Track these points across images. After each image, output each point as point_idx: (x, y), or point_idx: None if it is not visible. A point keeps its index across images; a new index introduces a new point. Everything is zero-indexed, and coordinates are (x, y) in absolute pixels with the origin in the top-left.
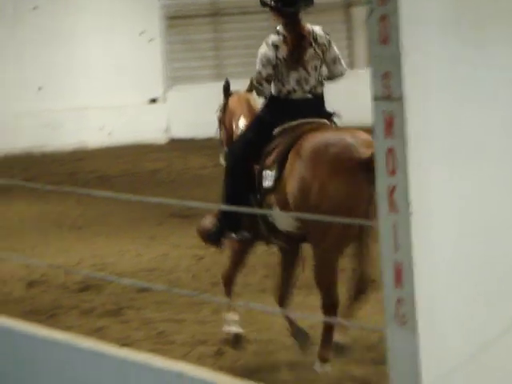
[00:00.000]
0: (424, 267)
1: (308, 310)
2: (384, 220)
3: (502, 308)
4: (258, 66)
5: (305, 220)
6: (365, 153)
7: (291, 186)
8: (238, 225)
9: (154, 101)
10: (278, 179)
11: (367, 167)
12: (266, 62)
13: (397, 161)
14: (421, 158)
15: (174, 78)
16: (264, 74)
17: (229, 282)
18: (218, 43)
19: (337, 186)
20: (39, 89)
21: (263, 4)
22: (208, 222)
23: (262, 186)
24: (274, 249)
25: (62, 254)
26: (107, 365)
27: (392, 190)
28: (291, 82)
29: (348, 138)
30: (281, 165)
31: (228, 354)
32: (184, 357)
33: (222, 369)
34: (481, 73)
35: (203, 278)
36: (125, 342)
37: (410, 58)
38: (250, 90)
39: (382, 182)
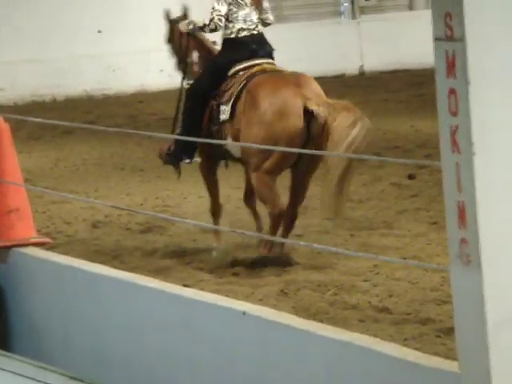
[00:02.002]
0: (487, 207)
1: None
2: (447, 160)
3: None
4: (216, 5)
5: (249, 148)
6: (308, 103)
7: (242, 121)
8: (190, 151)
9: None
10: (232, 113)
11: (306, 113)
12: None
13: (459, 101)
14: (483, 98)
15: None
16: (223, 11)
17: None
18: None
19: (279, 125)
20: (99, 32)
21: None
22: (166, 146)
23: (218, 118)
24: None
25: (124, 196)
26: (171, 304)
27: (455, 131)
28: (240, 21)
29: (294, 86)
30: (235, 101)
31: (291, 296)
32: (247, 297)
33: (283, 309)
34: None
35: (265, 218)
36: (188, 283)
37: None
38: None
39: (444, 123)
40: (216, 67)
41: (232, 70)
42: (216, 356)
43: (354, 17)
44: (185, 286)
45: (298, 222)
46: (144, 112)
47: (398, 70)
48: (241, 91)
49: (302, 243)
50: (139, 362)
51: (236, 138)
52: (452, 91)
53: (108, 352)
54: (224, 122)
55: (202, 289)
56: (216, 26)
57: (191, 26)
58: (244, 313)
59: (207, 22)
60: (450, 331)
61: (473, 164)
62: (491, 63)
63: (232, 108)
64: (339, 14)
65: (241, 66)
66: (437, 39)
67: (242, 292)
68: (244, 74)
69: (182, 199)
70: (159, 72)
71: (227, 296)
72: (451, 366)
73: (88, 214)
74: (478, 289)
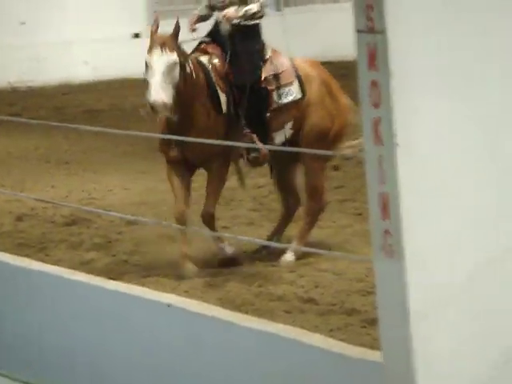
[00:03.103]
0: (410, 199)
1: None
2: (369, 152)
3: (490, 238)
4: None
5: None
6: None
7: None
8: None
9: (137, 35)
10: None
11: None
12: None
13: (381, 93)
14: (405, 90)
15: (158, 12)
16: None
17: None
18: None
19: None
20: (21, 23)
21: None
22: None
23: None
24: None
25: (50, 188)
26: (97, 297)
27: (376, 123)
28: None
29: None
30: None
31: (216, 287)
32: (173, 289)
33: (209, 301)
34: (468, 3)
35: (191, 211)
36: (114, 275)
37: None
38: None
39: (366, 115)
40: (260, 55)
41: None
42: (142, 348)
43: (278, 8)
44: (110, 278)
45: (224, 214)
46: (70, 104)
47: (323, 61)
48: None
49: (227, 234)
50: (68, 353)
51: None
52: (374, 83)
53: (37, 344)
54: (287, 104)
55: (128, 281)
56: (263, 14)
57: (242, 13)
58: (169, 305)
59: (257, 9)
60: (374, 321)
61: (395, 156)
62: (413, 55)
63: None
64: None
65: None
66: (358, 31)
67: (168, 284)
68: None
69: (108, 191)
70: (83, 64)
71: (153, 288)
72: (375, 355)
73: (13, 206)
74: (400, 279)
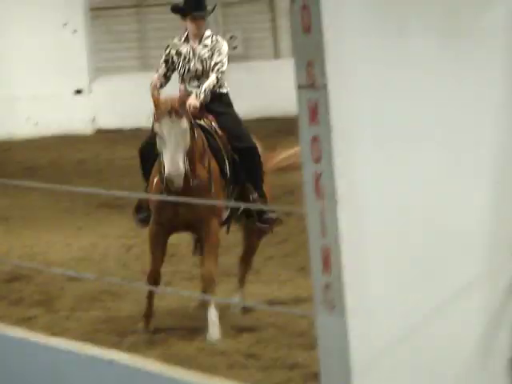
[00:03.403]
0: (352, 252)
1: None
2: (311, 207)
3: (430, 291)
4: (226, 61)
5: None
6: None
7: None
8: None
9: (79, 92)
10: None
11: None
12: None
13: (322, 148)
14: (346, 144)
15: (98, 69)
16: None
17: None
18: (142, 34)
19: None
20: None
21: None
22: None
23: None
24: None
25: None
26: (38, 354)
27: (318, 177)
28: None
29: None
30: None
31: (159, 343)
32: (115, 346)
33: (151, 357)
34: (402, 61)
35: (132, 266)
36: (55, 331)
37: (332, 47)
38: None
39: (307, 170)
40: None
41: None
42: None
43: None
44: (52, 335)
45: (166, 269)
46: (11, 160)
47: (264, 117)
48: None
49: (169, 289)
50: None
51: None
52: (315, 138)
53: None
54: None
55: (70, 338)
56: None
57: (205, 94)
58: (111, 361)
59: (215, 81)
60: (316, 376)
61: (336, 209)
62: (354, 110)
63: None
64: None
65: None
66: (299, 87)
67: (110, 340)
68: None
69: (49, 247)
70: (25, 120)
71: (95, 344)
72: None
73: None
74: (342, 334)
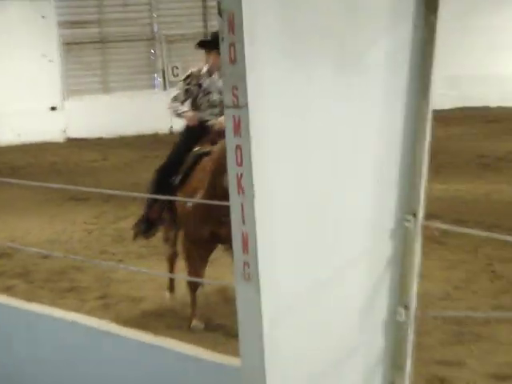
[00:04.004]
0: (265, 236)
1: None
2: (234, 200)
3: (325, 264)
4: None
5: None
6: None
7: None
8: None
9: (54, 108)
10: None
11: None
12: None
13: (243, 154)
14: (262, 151)
15: (69, 91)
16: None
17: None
18: (104, 64)
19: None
20: None
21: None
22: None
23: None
24: None
25: None
26: (18, 316)
27: (240, 177)
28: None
29: None
30: None
31: (113, 308)
32: (77, 310)
33: (109, 320)
34: (305, 87)
35: (93, 247)
36: (31, 298)
37: (252, 75)
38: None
39: (232, 171)
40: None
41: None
42: (54, 358)
43: (165, 88)
44: (28, 300)
45: (119, 250)
46: None
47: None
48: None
49: (121, 266)
50: None
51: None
52: (238, 147)
53: None
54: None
55: (43, 303)
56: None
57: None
58: (74, 322)
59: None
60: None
61: (253, 202)
62: (268, 125)
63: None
64: (153, 86)
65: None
66: (227, 107)
67: (74, 305)
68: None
69: (27, 231)
70: (10, 131)
71: (61, 308)
72: (235, 361)
73: None
74: (256, 298)
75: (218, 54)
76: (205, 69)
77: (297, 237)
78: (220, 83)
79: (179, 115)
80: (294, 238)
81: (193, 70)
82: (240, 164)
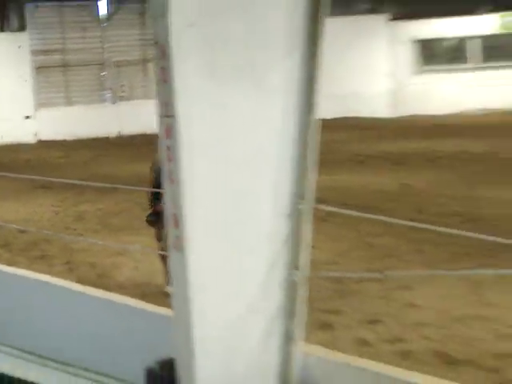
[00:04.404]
0: (190, 216)
1: None
2: (167, 188)
3: (236, 241)
4: None
5: None
6: None
7: None
8: None
9: (28, 117)
10: None
11: None
12: None
13: (172, 153)
14: (190, 150)
15: (40, 104)
16: None
17: None
18: (67, 83)
19: None
20: None
21: None
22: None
23: None
24: None
25: None
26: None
27: (171, 171)
28: None
29: None
30: None
31: (75, 272)
32: (47, 272)
33: (72, 280)
34: (222, 100)
35: (58, 225)
36: (11, 263)
37: (180, 92)
38: None
39: (165, 166)
40: None
41: None
42: (28, 314)
43: (113, 102)
44: (8, 265)
45: (79, 226)
46: None
47: (143, 134)
48: None
49: (81, 238)
50: None
51: None
52: (168, 147)
53: None
54: None
55: (19, 267)
56: None
57: None
58: (47, 282)
59: None
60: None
61: (181, 191)
62: (192, 130)
63: None
64: (105, 100)
65: None
66: (160, 116)
67: (44, 270)
68: None
69: (5, 212)
70: None
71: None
72: (169, 312)
73: None
74: (185, 265)
75: None
76: None
77: (215, 216)
78: None
79: None
80: (213, 217)
81: None
82: (171, 160)
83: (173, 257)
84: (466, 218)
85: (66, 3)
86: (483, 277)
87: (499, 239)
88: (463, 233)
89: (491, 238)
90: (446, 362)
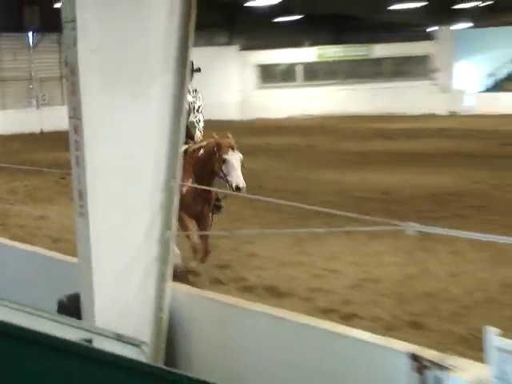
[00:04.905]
0: (92, 190)
1: None
2: (74, 171)
3: (135, 230)
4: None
5: None
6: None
7: None
8: None
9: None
10: None
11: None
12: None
13: (80, 144)
14: (92, 142)
15: None
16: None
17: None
18: (3, 93)
19: None
20: None
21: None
22: None
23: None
24: None
25: None
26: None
27: (78, 157)
28: None
29: None
30: None
31: (8, 230)
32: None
33: (6, 237)
34: (116, 104)
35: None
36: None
37: (85, 102)
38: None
39: (73, 154)
40: None
41: None
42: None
43: (38, 107)
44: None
45: (12, 198)
46: None
47: (59, 131)
48: None
49: (14, 207)
50: None
51: None
52: (76, 141)
53: None
54: None
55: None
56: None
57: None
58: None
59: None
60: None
61: (85, 172)
62: (94, 128)
63: None
64: (31, 106)
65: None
66: (70, 117)
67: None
68: None
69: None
70: None
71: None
72: (75, 259)
73: None
74: (87, 227)
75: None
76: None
77: (110, 191)
78: (190, 98)
79: None
80: (108, 191)
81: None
82: (77, 149)
83: (77, 223)
84: (292, 192)
85: (2, 34)
86: (303, 234)
87: (315, 207)
88: (289, 203)
89: (308, 207)
90: (275, 294)
